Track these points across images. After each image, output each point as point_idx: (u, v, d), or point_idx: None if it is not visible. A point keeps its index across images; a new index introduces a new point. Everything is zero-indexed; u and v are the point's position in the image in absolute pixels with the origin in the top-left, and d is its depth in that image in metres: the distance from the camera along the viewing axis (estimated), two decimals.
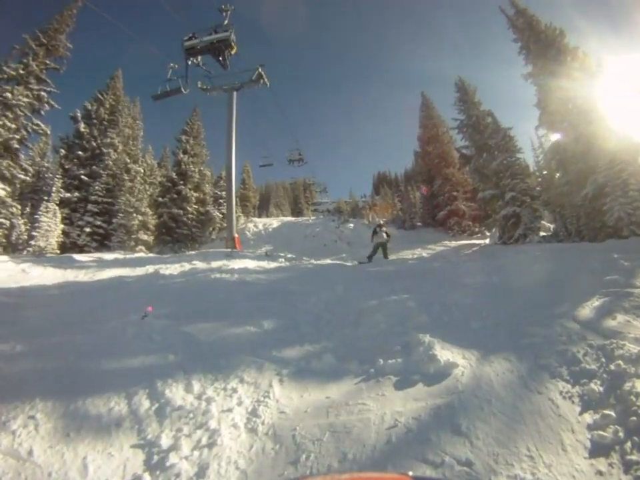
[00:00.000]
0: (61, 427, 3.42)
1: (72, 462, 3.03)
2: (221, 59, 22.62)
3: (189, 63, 22.35)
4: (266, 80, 24.24)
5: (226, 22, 22.47)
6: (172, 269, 11.80)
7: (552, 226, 23.29)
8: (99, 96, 31.64)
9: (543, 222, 22.69)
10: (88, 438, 3.30)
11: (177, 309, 6.92)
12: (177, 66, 21.93)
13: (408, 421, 3.44)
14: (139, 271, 11.71)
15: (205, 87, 24.08)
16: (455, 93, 26.46)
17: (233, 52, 22.61)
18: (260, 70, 23.95)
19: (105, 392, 3.92)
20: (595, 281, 7.45)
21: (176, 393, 3.99)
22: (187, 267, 12.19)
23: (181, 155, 36.05)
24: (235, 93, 23.88)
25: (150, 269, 12.06)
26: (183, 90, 21.69)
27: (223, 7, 22.88)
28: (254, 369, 4.59)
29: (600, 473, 2.87)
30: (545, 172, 22.25)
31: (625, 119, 16.17)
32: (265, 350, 5.12)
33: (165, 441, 3.30)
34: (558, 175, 19.79)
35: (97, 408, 3.70)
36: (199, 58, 22.81)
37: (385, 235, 17.34)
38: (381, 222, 19.81)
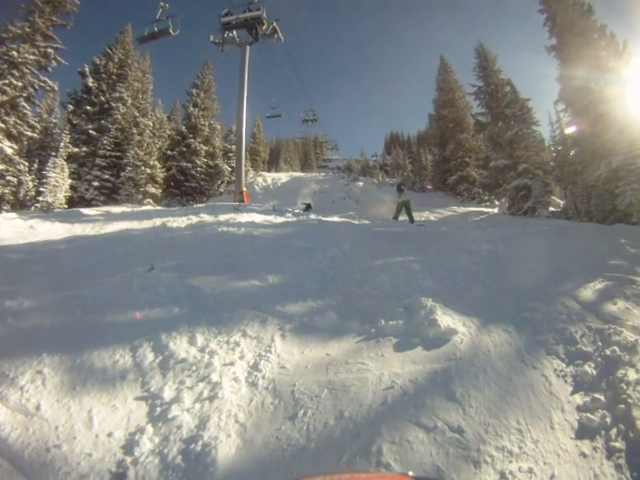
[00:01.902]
0: (68, 380, 3.50)
1: (78, 415, 3.13)
2: (253, 32, 23.10)
3: (226, 36, 23.27)
4: (280, 35, 24.10)
5: None
6: (179, 221, 11.79)
7: (562, 202, 23.21)
8: (108, 50, 31.20)
9: (553, 197, 22.57)
10: (93, 391, 3.39)
11: (183, 262, 6.98)
12: (167, 5, 21.45)
13: (405, 383, 3.50)
14: (146, 224, 11.72)
15: (217, 40, 23.77)
16: (475, 59, 26.21)
17: (264, 27, 23.15)
18: (275, 24, 23.74)
19: (110, 345, 4.00)
20: (600, 263, 7.45)
21: (180, 346, 4.07)
22: (194, 219, 12.18)
23: (191, 108, 35.70)
24: (248, 47, 23.62)
25: (157, 221, 12.04)
26: (171, 31, 21.25)
27: None
28: (257, 322, 4.66)
29: (584, 455, 2.95)
30: (560, 147, 21.94)
31: None
32: (269, 304, 5.18)
33: (168, 394, 3.39)
34: (573, 152, 19.55)
35: (102, 361, 3.78)
36: (234, 31, 23.46)
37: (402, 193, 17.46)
38: (400, 181, 19.89)
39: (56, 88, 23.83)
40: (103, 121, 28.47)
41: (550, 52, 20.24)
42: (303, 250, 8.15)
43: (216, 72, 38.98)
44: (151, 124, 31.59)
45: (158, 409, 3.23)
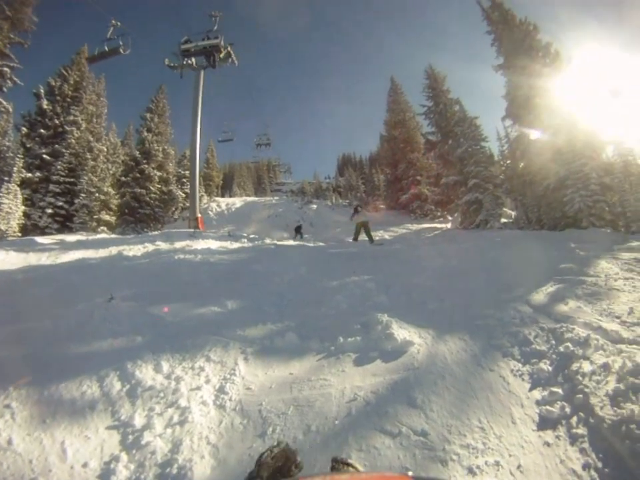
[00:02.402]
0: (37, 413, 3.44)
1: (51, 447, 3.09)
2: (211, 59, 23.45)
3: (184, 62, 23.50)
4: (234, 59, 24.35)
5: (215, 27, 23.71)
6: (135, 250, 11.66)
7: (513, 213, 23.93)
8: (63, 72, 30.40)
9: (504, 209, 23.27)
10: (64, 423, 3.35)
11: (142, 291, 6.95)
12: (119, 24, 21.19)
13: (367, 395, 3.65)
14: (103, 253, 11.54)
15: (172, 64, 23.78)
16: (425, 80, 27.08)
17: (221, 55, 23.49)
18: (229, 48, 23.92)
19: (76, 376, 3.95)
20: (551, 268, 7.81)
21: (146, 374, 4.07)
22: (150, 247, 12.05)
23: (145, 133, 35.25)
24: (202, 72, 23.74)
25: (113, 250, 11.85)
26: (122, 51, 20.98)
27: (213, 13, 23.93)
28: (220, 347, 4.71)
29: (547, 444, 3.15)
30: (508, 161, 22.82)
31: (591, 116, 16.73)
32: (230, 329, 5.24)
33: (139, 421, 3.39)
34: (522, 164, 20.28)
35: (70, 392, 3.73)
36: (192, 58, 23.73)
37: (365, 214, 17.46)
38: (358, 203, 20.00)
39: (10, 109, 23.17)
40: (57, 145, 27.70)
41: (497, 70, 21.06)
42: (260, 275, 8.27)
43: (169, 95, 38.65)
44: (105, 149, 31.15)
45: (130, 437, 3.23)
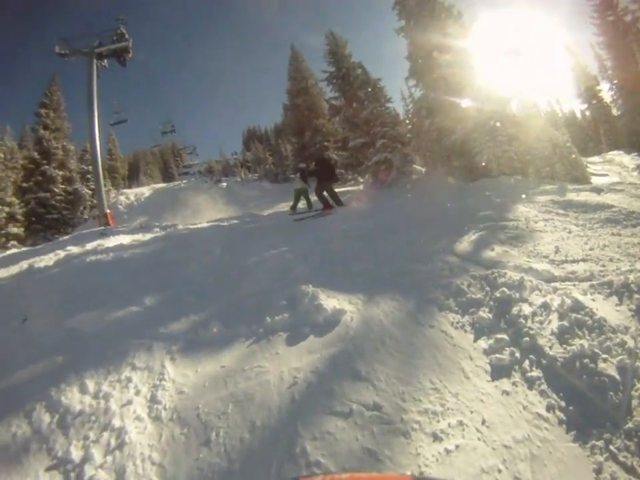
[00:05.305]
0: None
1: None
2: (121, 60, 23.92)
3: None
4: (127, 35, 23.68)
5: (122, 30, 23.54)
6: (46, 260, 10.83)
7: (423, 170, 24.49)
8: None
9: (414, 166, 23.77)
10: (1, 475, 2.98)
11: (57, 304, 6.35)
12: None
13: (307, 376, 3.48)
14: (13, 270, 10.66)
15: (63, 51, 22.18)
16: (326, 46, 26.79)
17: (129, 56, 23.93)
18: (122, 29, 23.44)
19: (3, 417, 3.54)
20: (470, 216, 7.95)
21: (72, 398, 3.68)
22: (61, 254, 11.24)
23: (42, 131, 32.55)
24: (95, 59, 22.31)
25: (24, 265, 11.02)
26: None
27: (121, 17, 24.11)
28: (143, 351, 4.35)
29: (506, 393, 3.15)
30: (414, 120, 23.18)
31: (494, 73, 17.41)
32: (151, 329, 4.87)
33: (76, 454, 3.05)
34: (428, 122, 20.65)
35: (0, 438, 3.33)
36: (105, 60, 23.33)
37: (302, 180, 16.89)
38: (303, 165, 19.13)
39: None
40: None
41: (399, 33, 21.07)
42: (176, 263, 7.82)
43: (62, 87, 35.92)
44: (2, 155, 28.79)
45: (72, 474, 2.89)
